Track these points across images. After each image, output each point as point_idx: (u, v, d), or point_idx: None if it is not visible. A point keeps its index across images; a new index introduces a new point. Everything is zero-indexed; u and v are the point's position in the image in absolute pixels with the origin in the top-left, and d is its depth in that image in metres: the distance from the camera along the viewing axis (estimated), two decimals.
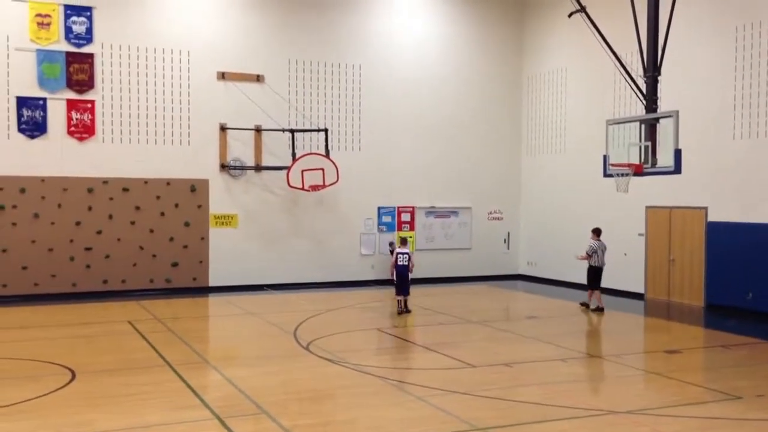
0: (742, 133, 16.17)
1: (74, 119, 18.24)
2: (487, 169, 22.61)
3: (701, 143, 16.59)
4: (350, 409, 9.01)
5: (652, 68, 15.01)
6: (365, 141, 21.14)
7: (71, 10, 18.17)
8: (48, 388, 9.62)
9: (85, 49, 18.31)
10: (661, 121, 14.49)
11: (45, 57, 17.96)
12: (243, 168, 19.75)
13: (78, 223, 18.29)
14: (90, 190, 18.37)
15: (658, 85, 15.21)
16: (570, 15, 16.83)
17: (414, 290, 16.40)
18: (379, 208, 21.35)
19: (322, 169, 19.45)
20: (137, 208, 18.80)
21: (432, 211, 22.00)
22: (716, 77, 16.68)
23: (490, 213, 22.75)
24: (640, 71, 15.44)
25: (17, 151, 17.78)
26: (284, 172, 19.48)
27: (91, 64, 18.35)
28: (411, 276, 16.04)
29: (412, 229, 21.60)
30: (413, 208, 21.75)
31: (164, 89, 19.07)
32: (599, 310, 16.39)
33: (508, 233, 22.98)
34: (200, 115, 19.39)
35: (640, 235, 18.57)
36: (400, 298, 15.84)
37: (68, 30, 18.16)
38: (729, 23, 16.42)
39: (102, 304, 17.14)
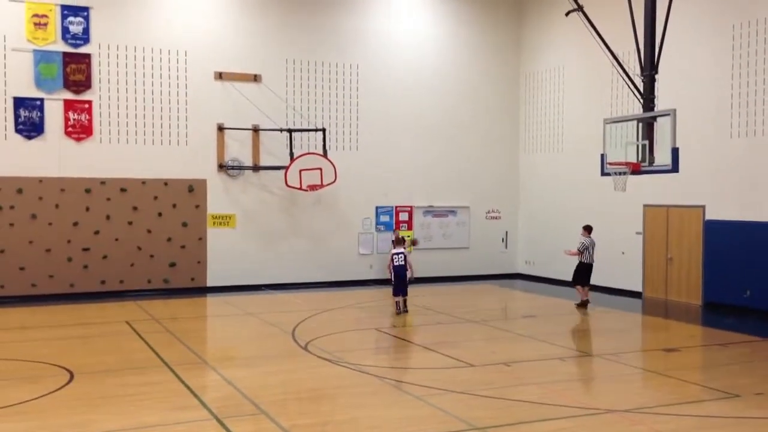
0: (740, 132, 16.18)
1: (71, 120, 18.22)
2: (485, 169, 22.62)
3: (699, 142, 16.60)
4: (349, 409, 9.02)
5: (650, 67, 15.03)
6: (363, 141, 21.14)
7: (68, 11, 18.15)
8: (46, 388, 9.61)
9: (83, 50, 18.29)
10: (658, 119, 14.51)
11: (42, 57, 17.94)
12: (241, 168, 19.74)
13: (76, 224, 18.28)
14: (87, 191, 18.35)
15: (656, 83, 15.24)
16: (567, 14, 16.85)
17: (412, 290, 16.37)
18: (377, 208, 21.35)
19: (320, 169, 19.45)
20: (135, 208, 18.79)
21: (430, 211, 22.01)
22: (714, 75, 16.69)
23: (488, 212, 22.76)
24: (638, 70, 15.47)
25: (14, 151, 17.75)
26: (282, 172, 19.47)
27: (89, 65, 18.33)
28: (410, 278, 15.92)
29: (410, 228, 21.61)
30: (411, 207, 21.75)
31: (162, 89, 19.05)
32: (583, 304, 16.56)
33: (506, 232, 22.99)
34: (198, 115, 19.38)
35: (637, 233, 18.59)
36: (399, 298, 15.81)
37: (65, 30, 18.14)
38: (726, 21, 16.43)
39: (100, 305, 17.13)
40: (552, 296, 17.90)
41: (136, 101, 18.80)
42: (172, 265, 19.15)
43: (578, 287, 16.88)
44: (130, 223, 18.75)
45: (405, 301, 15.84)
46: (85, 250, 18.35)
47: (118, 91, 18.65)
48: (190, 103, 19.33)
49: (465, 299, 18.51)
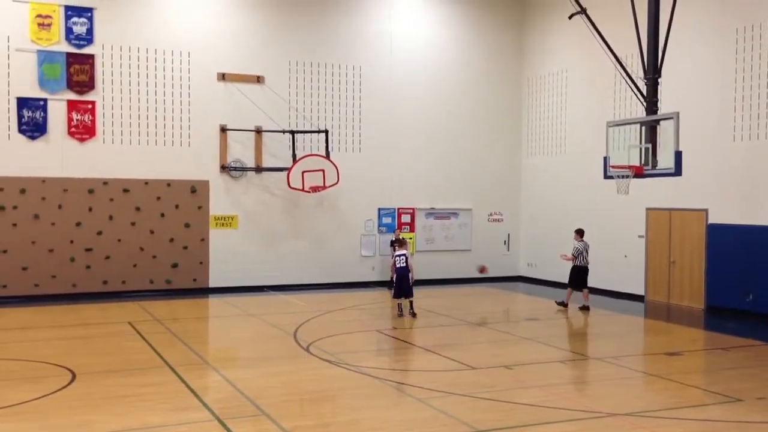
0: (743, 135, 16.17)
1: (75, 120, 18.25)
2: (488, 171, 22.61)
3: (702, 145, 16.58)
4: (351, 411, 9.01)
5: (653, 70, 15.02)
6: (365, 142, 21.15)
7: (72, 11, 18.18)
8: (48, 389, 9.62)
9: (86, 50, 18.32)
10: (661, 123, 14.51)
11: (45, 58, 17.97)
12: (243, 169, 19.75)
13: (78, 224, 18.30)
14: (90, 191, 18.38)
15: (659, 86, 15.24)
16: (570, 17, 16.83)
17: (414, 291, 16.32)
18: (379, 210, 21.35)
19: (323, 171, 19.46)
20: (137, 209, 18.81)
21: (432, 213, 22.01)
22: (717, 79, 16.68)
23: (491, 215, 22.75)
24: (641, 73, 15.46)
25: (18, 152, 17.78)
26: (284, 173, 19.49)
27: (92, 65, 18.36)
28: (412, 280, 15.81)
29: (412, 230, 21.60)
30: (413, 209, 21.75)
31: (165, 90, 19.08)
32: (585, 308, 16.67)
33: (508, 235, 22.98)
34: (200, 116, 19.40)
35: (640, 237, 18.57)
36: (400, 301, 15.75)
37: (69, 31, 18.17)
38: (729, 25, 16.41)
39: (102, 305, 17.14)
40: (554, 299, 17.87)
41: (139, 102, 18.83)
42: (175, 265, 19.16)
43: (569, 290, 17.01)
44: (132, 223, 18.77)
45: (411, 303, 15.71)
46: (88, 250, 18.37)
47: (121, 92, 18.68)
48: (193, 104, 19.35)
49: (467, 301, 18.49)
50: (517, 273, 22.92)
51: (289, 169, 19.36)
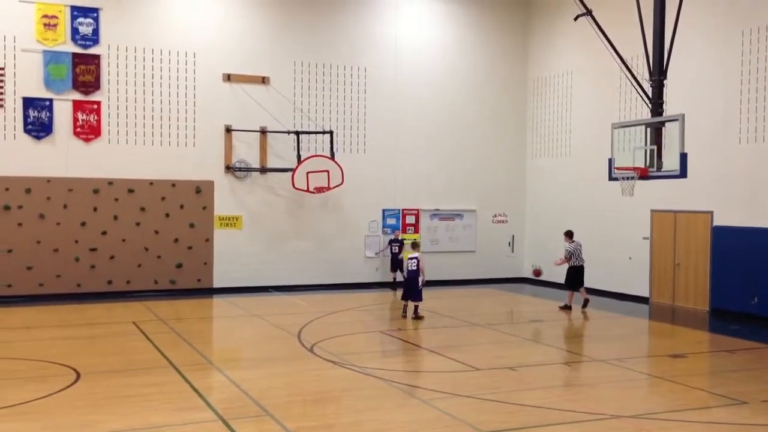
0: (748, 138, 16.13)
1: (80, 120, 18.29)
2: (492, 172, 22.60)
3: (707, 147, 16.56)
4: (355, 412, 9.01)
5: (658, 72, 14.99)
6: (370, 143, 21.15)
7: (78, 12, 18.22)
8: (52, 388, 9.64)
9: (92, 51, 18.36)
10: (666, 124, 14.48)
11: (51, 58, 18.01)
12: (248, 170, 19.77)
13: (83, 224, 18.33)
14: (95, 191, 18.41)
15: (664, 88, 15.19)
16: (576, 18, 16.80)
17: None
18: (383, 211, 21.36)
19: (327, 171, 19.48)
20: (142, 209, 18.84)
21: (437, 214, 22.00)
22: (722, 81, 16.65)
23: (495, 216, 22.73)
24: (646, 75, 15.43)
25: (23, 151, 17.82)
26: (289, 173, 19.50)
27: (98, 66, 18.40)
28: (422, 283, 15.56)
29: (416, 231, 21.60)
30: (418, 210, 21.75)
31: (170, 91, 19.11)
32: (585, 303, 16.87)
33: (513, 236, 22.95)
34: (206, 117, 19.43)
35: (645, 238, 18.53)
36: (406, 303, 15.70)
37: (75, 31, 18.21)
38: (735, 27, 16.39)
39: (106, 305, 17.17)
40: (558, 301, 17.84)
41: (144, 102, 18.86)
42: (179, 266, 19.18)
43: (570, 292, 17.07)
44: (137, 223, 18.80)
45: (416, 308, 15.61)
46: (93, 250, 18.40)
47: (126, 93, 18.71)
48: (198, 105, 19.38)
49: (471, 303, 18.47)
50: (522, 275, 22.82)
51: (293, 170, 19.37)
